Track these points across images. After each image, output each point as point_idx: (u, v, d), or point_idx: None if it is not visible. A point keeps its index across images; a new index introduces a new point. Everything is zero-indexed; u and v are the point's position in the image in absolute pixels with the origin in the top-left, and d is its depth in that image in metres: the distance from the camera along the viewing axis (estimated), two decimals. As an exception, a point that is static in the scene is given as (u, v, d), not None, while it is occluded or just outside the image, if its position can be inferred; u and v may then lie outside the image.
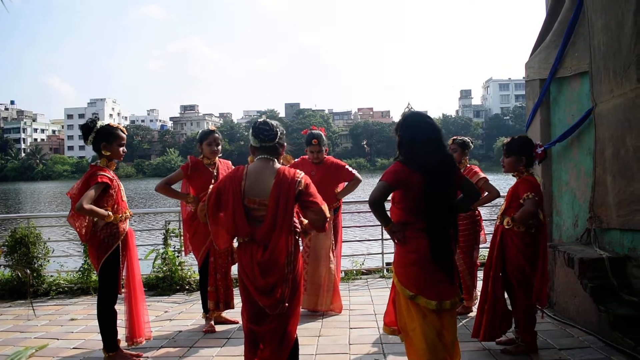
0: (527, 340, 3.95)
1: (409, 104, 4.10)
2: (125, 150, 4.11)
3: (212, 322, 4.82)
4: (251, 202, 3.05)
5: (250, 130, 3.21)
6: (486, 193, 4.99)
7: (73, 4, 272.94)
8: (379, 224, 3.73)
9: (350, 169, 5.30)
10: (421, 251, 3.07)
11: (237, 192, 3.04)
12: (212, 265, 4.72)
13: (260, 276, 2.99)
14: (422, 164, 3.04)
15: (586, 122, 4.83)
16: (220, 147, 4.79)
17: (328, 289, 5.18)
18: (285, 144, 3.29)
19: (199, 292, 6.40)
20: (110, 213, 3.87)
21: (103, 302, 4.00)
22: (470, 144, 5.17)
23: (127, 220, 4.07)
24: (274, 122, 3.22)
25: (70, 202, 3.97)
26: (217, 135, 4.79)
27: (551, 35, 5.41)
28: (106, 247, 3.89)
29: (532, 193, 3.83)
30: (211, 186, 3.31)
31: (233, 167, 3.69)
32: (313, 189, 3.10)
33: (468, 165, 5.16)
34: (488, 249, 4.25)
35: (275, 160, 3.18)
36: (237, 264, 3.29)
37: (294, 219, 3.13)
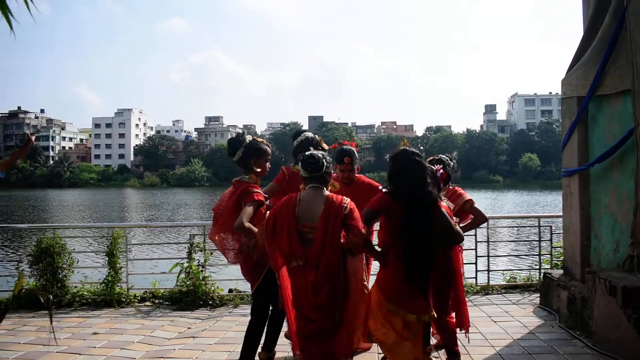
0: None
1: (404, 138, 4.19)
2: (270, 165, 4.06)
3: None
4: (304, 226, 3.44)
5: (300, 163, 3.59)
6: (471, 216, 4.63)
7: (98, 18, 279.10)
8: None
9: (385, 190, 4.79)
10: (401, 274, 3.41)
11: (292, 217, 3.43)
12: None
13: (312, 294, 3.35)
14: (403, 195, 3.42)
15: (628, 142, 4.63)
16: None
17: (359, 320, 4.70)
18: (332, 171, 3.64)
19: (222, 307, 6.35)
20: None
21: (274, 321, 3.99)
22: (451, 163, 4.64)
23: None
24: (320, 154, 3.55)
25: (214, 217, 3.90)
26: None
27: (590, 52, 5.23)
28: (260, 266, 3.78)
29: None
30: (267, 212, 3.51)
31: None
32: (357, 213, 3.43)
33: (451, 186, 4.61)
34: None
35: (324, 188, 3.54)
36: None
37: (341, 240, 3.43)
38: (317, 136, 4.49)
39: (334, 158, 4.58)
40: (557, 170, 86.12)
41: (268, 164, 4.00)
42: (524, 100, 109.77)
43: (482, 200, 37.97)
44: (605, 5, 5.03)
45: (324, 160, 3.52)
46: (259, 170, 3.91)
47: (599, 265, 5.10)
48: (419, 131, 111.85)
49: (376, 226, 3.97)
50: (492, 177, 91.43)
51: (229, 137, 4.06)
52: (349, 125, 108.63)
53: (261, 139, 4.03)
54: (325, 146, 4.32)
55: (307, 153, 3.57)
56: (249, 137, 3.97)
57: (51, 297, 2.03)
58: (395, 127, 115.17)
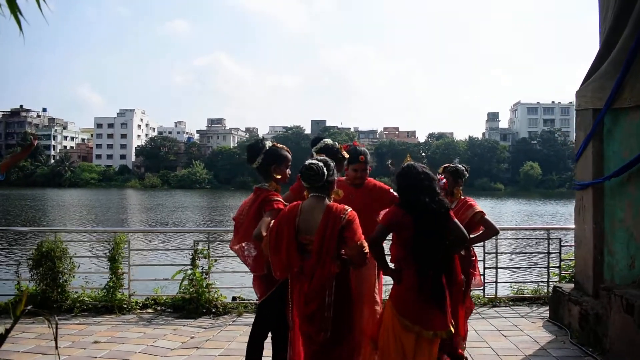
0: None
1: (408, 155, 4.23)
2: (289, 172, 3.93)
3: None
4: (303, 239, 3.32)
5: (300, 174, 3.45)
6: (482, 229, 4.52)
7: (102, 18, 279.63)
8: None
9: (396, 193, 4.25)
10: (414, 287, 3.36)
11: (292, 228, 3.31)
12: None
13: (303, 304, 3.27)
14: (413, 207, 3.40)
15: (647, 157, 4.51)
16: None
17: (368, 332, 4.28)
18: (336, 178, 3.46)
19: (225, 316, 6.22)
20: None
21: (279, 337, 3.69)
22: (464, 173, 4.58)
23: None
24: (320, 163, 3.36)
25: (235, 226, 3.78)
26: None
27: (607, 64, 5.13)
28: (274, 279, 3.51)
29: None
30: (272, 221, 3.40)
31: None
32: (355, 225, 3.25)
33: (462, 197, 4.56)
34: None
35: (326, 197, 3.39)
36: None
37: (342, 250, 3.28)
38: (337, 143, 4.25)
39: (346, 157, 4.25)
40: (558, 179, 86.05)
41: (288, 171, 3.87)
42: (526, 109, 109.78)
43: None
44: (624, 18, 4.93)
45: (324, 170, 3.34)
46: (279, 177, 3.77)
47: (612, 281, 4.99)
48: (421, 138, 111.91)
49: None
50: (493, 184, 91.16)
51: (249, 144, 3.88)
52: (352, 130, 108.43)
53: (281, 145, 3.89)
54: (346, 154, 4.14)
55: (306, 163, 3.39)
56: (268, 143, 3.83)
57: (56, 318, 1.89)
58: (397, 133, 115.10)
